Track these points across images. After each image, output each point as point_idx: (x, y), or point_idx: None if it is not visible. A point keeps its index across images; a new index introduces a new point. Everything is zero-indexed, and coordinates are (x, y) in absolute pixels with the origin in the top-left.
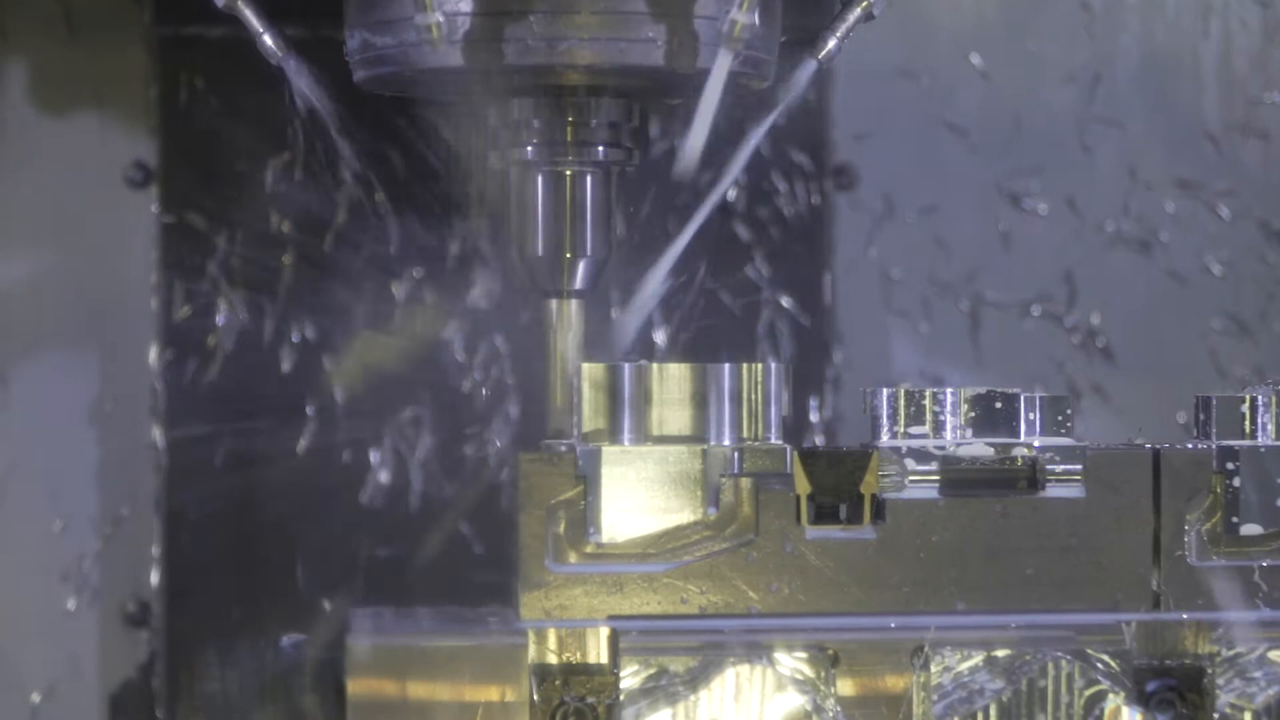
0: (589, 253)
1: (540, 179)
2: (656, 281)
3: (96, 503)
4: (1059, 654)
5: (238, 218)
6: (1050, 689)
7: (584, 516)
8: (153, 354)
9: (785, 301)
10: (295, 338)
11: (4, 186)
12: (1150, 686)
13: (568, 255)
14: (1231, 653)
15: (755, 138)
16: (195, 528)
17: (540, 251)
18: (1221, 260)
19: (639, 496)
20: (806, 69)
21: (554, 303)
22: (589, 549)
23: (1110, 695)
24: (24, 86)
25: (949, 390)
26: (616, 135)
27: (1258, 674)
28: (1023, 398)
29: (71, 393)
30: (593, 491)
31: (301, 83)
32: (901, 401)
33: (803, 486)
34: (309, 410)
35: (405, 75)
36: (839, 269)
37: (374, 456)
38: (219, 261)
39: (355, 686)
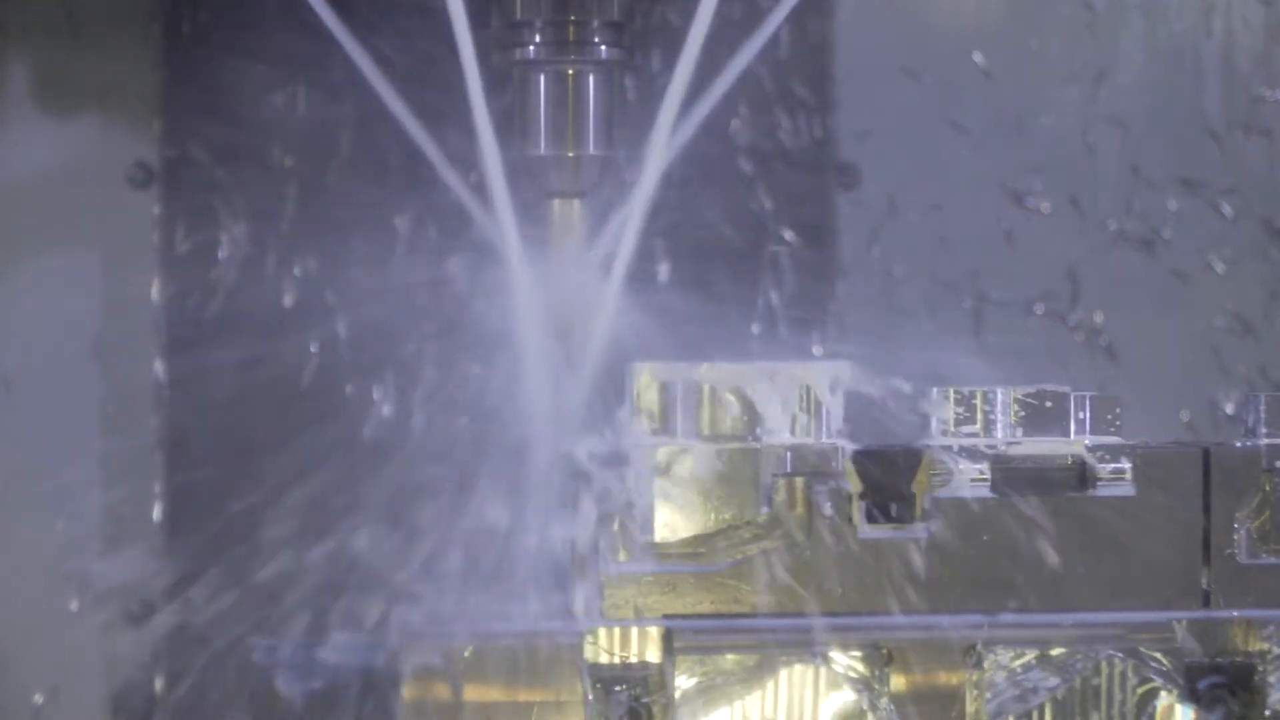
0: (591, 151)
1: (542, 78)
2: (644, 195)
3: (100, 501)
4: (1111, 652)
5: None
6: (1104, 687)
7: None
8: (158, 369)
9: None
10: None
11: (5, 186)
12: (1202, 684)
13: (570, 154)
14: None
15: (751, 49)
16: (200, 525)
17: (542, 150)
18: (1224, 258)
19: (691, 496)
20: None
21: (556, 203)
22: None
23: (1163, 693)
24: (26, 85)
25: (999, 389)
26: (618, 34)
27: None
28: (1072, 397)
29: (74, 394)
30: (645, 491)
31: None
32: (952, 400)
33: (855, 486)
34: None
35: None
36: (842, 267)
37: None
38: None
39: (410, 687)
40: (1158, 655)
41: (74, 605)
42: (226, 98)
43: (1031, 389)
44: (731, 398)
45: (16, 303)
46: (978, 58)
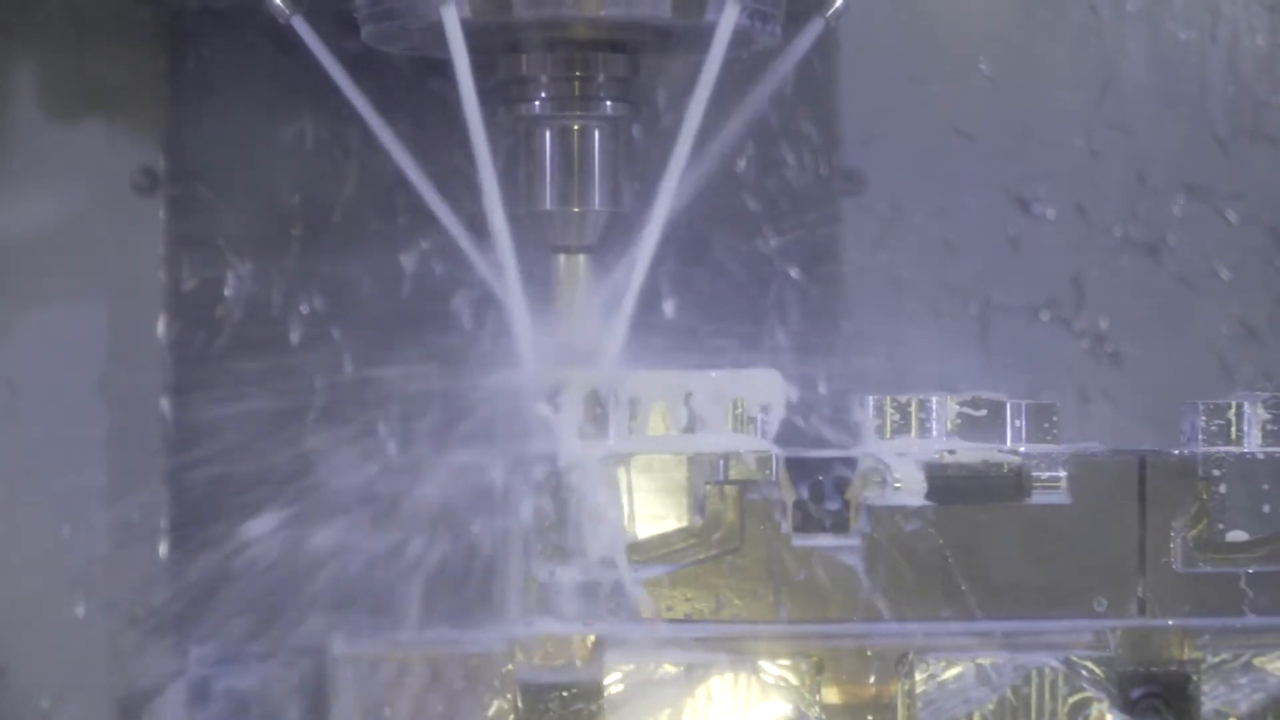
0: (597, 206)
1: (548, 133)
2: (650, 243)
3: (105, 508)
4: (1044, 661)
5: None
6: (1034, 696)
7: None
8: (161, 330)
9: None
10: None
11: (9, 191)
12: (1135, 694)
13: (576, 209)
14: (1216, 659)
15: (761, 96)
16: (204, 531)
17: (549, 205)
18: (1229, 264)
19: (625, 503)
20: (814, 27)
21: (562, 258)
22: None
23: (1095, 703)
24: (31, 90)
25: (935, 397)
26: (624, 89)
27: (1242, 680)
28: (1009, 405)
29: (79, 398)
30: (577, 499)
31: (310, 42)
32: (888, 409)
33: (789, 494)
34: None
35: (413, 29)
36: (847, 273)
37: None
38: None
39: (339, 697)
40: (1090, 664)
41: (80, 611)
42: (232, 102)
43: (967, 396)
44: (665, 405)
45: (19, 306)
46: (983, 64)
